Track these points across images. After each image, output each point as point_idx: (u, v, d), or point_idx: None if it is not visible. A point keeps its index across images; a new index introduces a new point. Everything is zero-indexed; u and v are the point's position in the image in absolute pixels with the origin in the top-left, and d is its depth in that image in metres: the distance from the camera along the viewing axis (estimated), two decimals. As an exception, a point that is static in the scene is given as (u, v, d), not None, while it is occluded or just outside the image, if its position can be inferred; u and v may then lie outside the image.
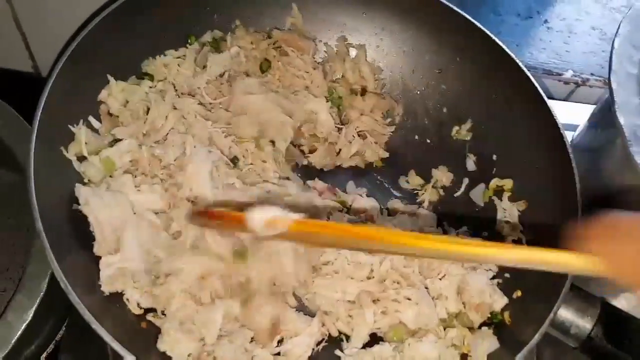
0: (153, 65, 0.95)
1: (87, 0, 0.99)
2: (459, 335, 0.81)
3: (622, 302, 0.83)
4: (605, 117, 0.82)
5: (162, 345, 0.74)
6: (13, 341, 0.81)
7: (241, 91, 0.95)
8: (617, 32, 0.80)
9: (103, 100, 0.89)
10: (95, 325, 0.66)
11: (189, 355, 0.74)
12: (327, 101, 1.02)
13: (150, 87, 0.94)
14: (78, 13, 1.00)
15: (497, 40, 0.95)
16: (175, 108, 0.91)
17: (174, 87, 0.95)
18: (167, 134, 0.89)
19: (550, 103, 0.90)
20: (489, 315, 0.84)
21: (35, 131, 0.75)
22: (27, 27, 1.14)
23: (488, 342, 0.80)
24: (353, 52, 1.08)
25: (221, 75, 0.98)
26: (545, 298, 0.76)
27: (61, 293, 0.68)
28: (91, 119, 0.87)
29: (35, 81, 1.25)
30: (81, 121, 0.85)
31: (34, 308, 0.83)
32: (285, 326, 0.79)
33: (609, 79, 0.75)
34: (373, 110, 1.05)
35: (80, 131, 0.84)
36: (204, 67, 0.98)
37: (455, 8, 0.98)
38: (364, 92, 1.05)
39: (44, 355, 0.92)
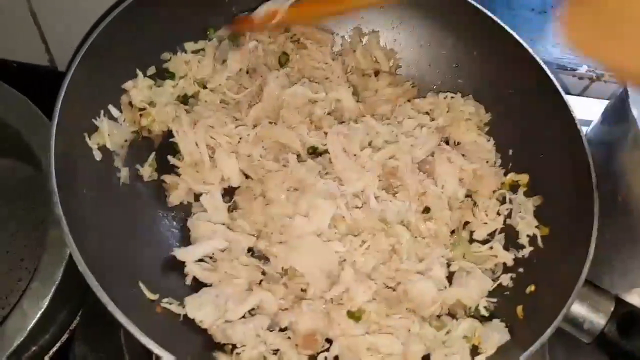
0: (174, 62, 0.97)
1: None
2: (470, 326, 0.82)
3: (635, 299, 0.83)
4: (618, 112, 0.81)
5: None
6: (29, 329, 0.83)
7: (276, 84, 0.96)
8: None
9: (128, 89, 0.91)
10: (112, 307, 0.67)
11: (200, 322, 0.77)
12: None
13: (173, 87, 0.96)
14: (94, 6, 1.01)
15: (514, 34, 0.95)
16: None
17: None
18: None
19: (567, 98, 0.90)
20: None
21: (57, 117, 0.77)
22: (44, 21, 1.15)
23: (499, 334, 0.80)
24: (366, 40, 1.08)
25: (240, 70, 0.99)
26: (558, 293, 0.77)
27: (76, 282, 0.70)
28: (111, 107, 0.88)
29: (51, 75, 1.26)
30: (102, 112, 0.86)
31: (49, 296, 0.86)
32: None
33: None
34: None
35: (103, 123, 0.86)
36: (224, 61, 0.99)
37: (472, 2, 0.98)
38: (377, 73, 1.05)
39: (59, 343, 0.94)
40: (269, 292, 0.81)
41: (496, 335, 0.80)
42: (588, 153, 0.84)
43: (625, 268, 0.85)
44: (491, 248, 0.90)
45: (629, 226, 0.81)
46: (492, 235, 0.93)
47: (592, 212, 0.80)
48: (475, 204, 0.95)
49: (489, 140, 1.00)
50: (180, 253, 0.81)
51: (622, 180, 0.82)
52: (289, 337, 0.79)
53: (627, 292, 0.85)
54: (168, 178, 0.89)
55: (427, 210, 0.92)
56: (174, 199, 0.89)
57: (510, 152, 0.98)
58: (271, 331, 0.79)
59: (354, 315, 0.80)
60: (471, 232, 0.93)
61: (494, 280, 0.87)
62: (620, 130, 0.86)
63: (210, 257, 0.83)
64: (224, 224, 0.85)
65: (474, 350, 0.80)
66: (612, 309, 0.77)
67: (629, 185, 0.81)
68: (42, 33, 1.18)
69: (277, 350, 0.78)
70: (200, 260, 0.83)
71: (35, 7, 1.11)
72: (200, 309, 0.77)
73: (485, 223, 0.92)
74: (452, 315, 0.85)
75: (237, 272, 0.81)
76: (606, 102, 1.01)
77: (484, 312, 0.85)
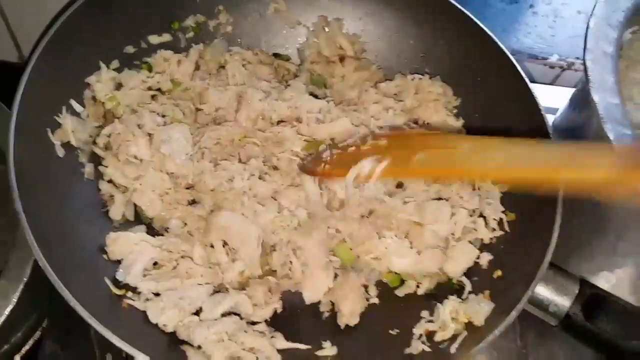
0: (153, 57, 0.97)
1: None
2: (453, 306, 0.82)
3: (601, 282, 0.84)
4: (582, 98, 0.82)
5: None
6: (-2, 327, 0.81)
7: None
8: (592, 11, 0.81)
9: (91, 83, 0.90)
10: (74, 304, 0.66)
11: (164, 325, 0.76)
12: (310, 83, 1.03)
13: (148, 77, 0.95)
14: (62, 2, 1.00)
15: (480, 23, 0.96)
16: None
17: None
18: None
19: (532, 86, 0.91)
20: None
21: (15, 114, 0.76)
22: (12, 17, 1.14)
23: (485, 305, 0.80)
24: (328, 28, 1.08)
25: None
26: (524, 277, 0.77)
27: (45, 280, 0.69)
28: (72, 102, 0.87)
29: (21, 71, 1.24)
30: (64, 108, 0.85)
31: (17, 294, 0.84)
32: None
33: (583, 57, 0.76)
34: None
35: (66, 120, 0.84)
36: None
37: (438, -8, 0.98)
38: (342, 59, 1.05)
39: (31, 341, 0.92)
40: (246, 294, 0.82)
41: (483, 306, 0.80)
42: (552, 138, 0.85)
43: (592, 252, 0.86)
44: (474, 222, 0.90)
45: (594, 213, 0.82)
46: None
47: (556, 198, 0.80)
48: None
49: (458, 120, 1.00)
50: (122, 275, 0.79)
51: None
52: (271, 336, 0.79)
53: (594, 275, 0.86)
54: (103, 186, 0.87)
55: (400, 185, 0.93)
56: (115, 213, 0.86)
57: (478, 139, 0.99)
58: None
59: None
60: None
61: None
62: (584, 116, 0.87)
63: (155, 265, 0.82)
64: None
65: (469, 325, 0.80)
66: (576, 291, 0.78)
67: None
68: (11, 29, 1.16)
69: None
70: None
71: (3, 3, 1.09)
72: (162, 313, 0.75)
73: (462, 197, 0.92)
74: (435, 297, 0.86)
75: (195, 273, 0.81)
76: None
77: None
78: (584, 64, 0.76)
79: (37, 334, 0.93)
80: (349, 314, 0.85)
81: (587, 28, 0.79)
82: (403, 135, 0.87)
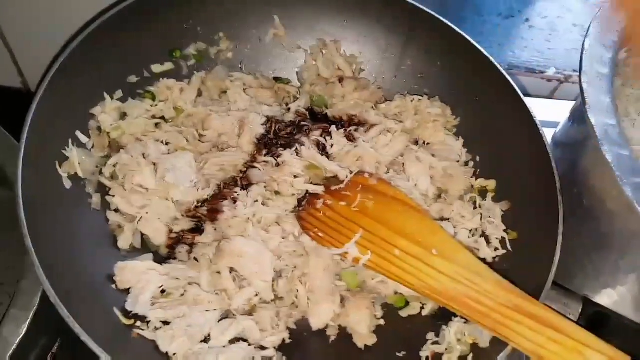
0: (157, 85, 0.98)
1: (74, 15, 1.01)
2: (459, 328, 0.83)
3: (604, 299, 0.84)
4: (581, 114, 0.83)
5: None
6: (8, 355, 0.82)
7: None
8: (587, 32, 0.82)
9: (96, 114, 0.91)
10: (85, 337, 0.67)
11: (173, 354, 0.77)
12: (311, 105, 1.05)
13: (151, 106, 0.97)
14: (65, 28, 1.02)
15: (475, 43, 0.97)
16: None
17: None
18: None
19: (530, 103, 0.92)
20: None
21: (24, 147, 0.77)
22: (14, 43, 1.15)
23: None
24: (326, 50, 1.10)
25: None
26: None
27: (54, 307, 0.70)
28: (78, 134, 0.88)
29: (24, 97, 1.26)
30: (70, 141, 0.86)
31: (27, 322, 0.85)
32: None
33: (580, 79, 0.77)
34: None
35: (73, 152, 0.86)
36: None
37: (433, 13, 1.00)
38: (341, 80, 1.07)
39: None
40: (253, 320, 0.83)
41: None
42: (552, 158, 0.86)
43: (596, 270, 0.87)
44: (476, 242, 0.92)
45: (594, 230, 0.83)
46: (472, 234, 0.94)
47: (557, 217, 0.81)
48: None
49: (457, 140, 1.02)
50: (131, 305, 0.80)
51: (586, 184, 0.84)
52: None
53: (596, 292, 0.87)
54: (111, 216, 0.88)
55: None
56: (123, 242, 0.87)
57: (478, 158, 1.00)
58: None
59: None
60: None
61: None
62: (582, 132, 0.88)
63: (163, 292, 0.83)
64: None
65: (475, 347, 0.81)
66: (580, 310, 0.79)
67: (592, 189, 0.82)
68: (14, 55, 1.18)
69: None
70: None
71: (5, 30, 1.11)
72: (172, 342, 0.76)
73: (463, 216, 0.94)
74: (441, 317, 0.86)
75: (202, 300, 0.82)
76: (573, 102, 1.02)
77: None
78: (580, 86, 0.77)
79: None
80: (367, 334, 0.86)
81: (582, 50, 0.80)
82: (388, 194, 0.90)
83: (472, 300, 0.75)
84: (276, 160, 0.93)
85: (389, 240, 0.83)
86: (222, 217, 0.87)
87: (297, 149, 0.95)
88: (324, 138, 0.97)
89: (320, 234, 0.88)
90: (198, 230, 0.89)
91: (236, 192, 0.89)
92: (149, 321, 0.79)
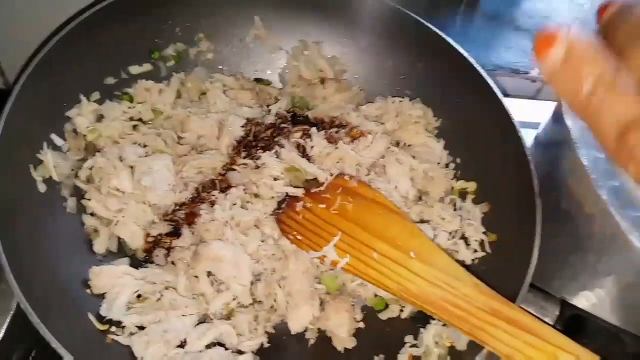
0: (134, 87, 0.97)
1: (56, 15, 0.99)
2: (437, 331, 0.83)
3: (581, 301, 0.85)
4: (559, 117, 0.83)
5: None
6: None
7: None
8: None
9: (72, 116, 0.90)
10: (55, 344, 0.67)
11: None
12: (292, 106, 1.04)
13: (129, 108, 0.96)
14: (49, 27, 1.00)
15: (455, 45, 0.97)
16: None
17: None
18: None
19: (511, 104, 0.91)
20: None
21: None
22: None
23: None
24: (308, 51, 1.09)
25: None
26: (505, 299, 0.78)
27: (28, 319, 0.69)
28: (54, 136, 0.87)
29: (6, 96, 1.24)
30: (45, 144, 0.85)
31: (4, 327, 0.84)
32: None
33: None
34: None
35: (47, 156, 0.84)
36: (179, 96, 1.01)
37: (414, 15, 0.99)
38: (322, 81, 1.07)
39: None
40: (231, 325, 0.82)
41: None
42: (530, 161, 0.86)
43: (573, 273, 0.87)
44: (455, 244, 0.92)
45: (572, 233, 0.83)
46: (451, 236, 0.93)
47: (535, 219, 0.81)
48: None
49: (438, 142, 1.01)
50: (105, 310, 0.79)
51: (565, 186, 0.84)
52: None
53: (575, 295, 0.87)
54: (87, 219, 0.87)
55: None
56: (99, 247, 0.86)
57: (459, 160, 1.00)
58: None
59: None
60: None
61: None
62: (562, 134, 0.88)
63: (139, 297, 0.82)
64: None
65: (452, 350, 0.81)
66: (557, 312, 0.79)
67: (570, 192, 0.82)
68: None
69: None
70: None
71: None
72: (147, 347, 0.76)
73: (443, 218, 0.94)
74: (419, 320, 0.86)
75: (179, 304, 0.81)
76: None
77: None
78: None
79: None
80: (347, 337, 0.86)
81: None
82: (368, 197, 0.89)
83: (449, 304, 0.75)
84: (255, 162, 0.93)
85: (368, 244, 0.83)
86: (200, 221, 0.86)
87: (276, 151, 0.94)
88: (304, 140, 0.96)
89: (299, 237, 0.87)
90: (176, 233, 0.88)
91: (214, 195, 0.88)
92: (124, 326, 0.78)
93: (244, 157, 0.94)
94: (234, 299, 0.84)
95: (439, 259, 0.79)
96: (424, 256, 0.80)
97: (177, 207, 0.90)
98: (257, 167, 0.92)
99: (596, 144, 0.72)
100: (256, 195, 0.91)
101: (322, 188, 0.91)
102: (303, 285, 0.86)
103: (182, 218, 0.88)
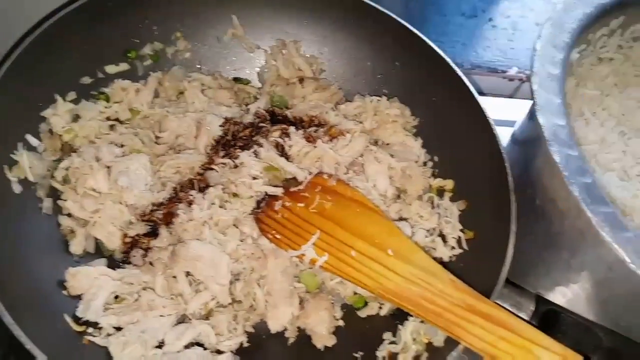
0: (111, 87, 0.97)
1: (30, 14, 0.98)
2: (414, 327, 0.83)
3: (557, 297, 0.86)
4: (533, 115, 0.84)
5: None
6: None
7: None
8: (539, 34, 0.83)
9: (47, 116, 0.89)
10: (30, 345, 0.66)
11: None
12: (271, 106, 1.04)
13: (106, 107, 0.95)
14: (24, 27, 0.98)
15: (431, 43, 0.98)
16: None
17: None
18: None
19: (487, 103, 0.93)
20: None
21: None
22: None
23: None
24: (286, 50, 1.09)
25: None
26: (480, 293, 0.78)
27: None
28: (28, 137, 0.86)
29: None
30: (20, 144, 0.84)
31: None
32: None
33: (530, 81, 0.78)
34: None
35: (22, 156, 0.83)
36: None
37: (392, 15, 1.00)
38: (301, 80, 1.07)
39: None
40: (209, 324, 0.82)
41: None
42: (505, 158, 0.87)
43: (548, 268, 0.88)
44: (433, 241, 0.92)
45: (546, 230, 0.84)
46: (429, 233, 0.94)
47: (510, 216, 0.82)
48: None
49: (416, 140, 1.02)
50: (82, 311, 0.78)
51: (538, 184, 0.85)
52: None
53: (550, 290, 0.88)
54: (63, 220, 0.87)
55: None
56: (76, 247, 0.86)
57: (436, 158, 1.01)
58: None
59: None
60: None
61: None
62: (536, 132, 0.89)
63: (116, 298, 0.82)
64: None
65: (429, 346, 0.81)
66: (532, 307, 0.80)
67: (544, 189, 0.83)
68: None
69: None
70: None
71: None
72: (124, 349, 0.75)
73: (421, 216, 0.94)
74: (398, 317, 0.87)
75: (157, 305, 0.81)
76: (533, 102, 1.04)
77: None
78: (531, 87, 0.78)
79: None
80: (326, 335, 0.86)
81: (534, 52, 0.81)
82: (346, 196, 0.90)
83: (426, 301, 0.76)
84: (234, 162, 0.92)
85: (346, 242, 0.83)
86: (178, 221, 0.86)
87: (255, 150, 0.94)
88: (283, 139, 0.96)
89: (278, 236, 0.87)
90: (153, 234, 0.88)
91: (192, 195, 0.88)
92: (101, 327, 0.78)
93: (223, 157, 0.94)
94: (212, 299, 0.84)
95: (416, 257, 0.80)
96: (401, 254, 0.80)
97: (155, 208, 0.89)
98: (236, 166, 0.92)
99: (569, 141, 0.74)
100: (235, 195, 0.91)
101: (301, 187, 0.92)
102: (282, 284, 0.87)
103: (159, 218, 0.88)
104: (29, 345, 0.66)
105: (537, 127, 0.77)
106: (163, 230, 0.86)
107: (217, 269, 0.83)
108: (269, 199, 0.91)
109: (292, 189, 0.92)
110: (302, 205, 0.89)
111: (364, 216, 0.86)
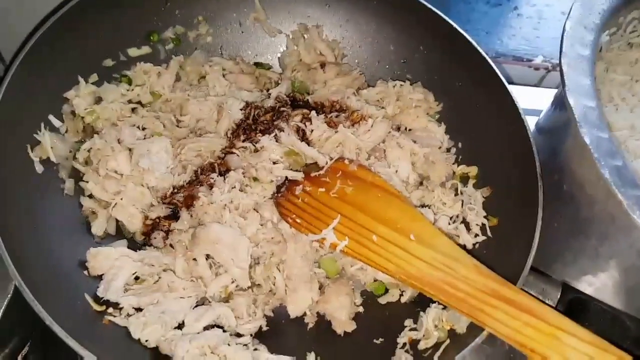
0: (133, 69, 0.97)
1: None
2: (437, 314, 0.82)
3: (584, 285, 0.84)
4: (562, 100, 0.82)
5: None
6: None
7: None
8: (569, 14, 0.80)
9: (70, 97, 0.89)
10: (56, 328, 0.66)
11: (146, 341, 0.76)
12: (292, 92, 1.03)
13: (127, 90, 0.95)
14: (45, 10, 0.99)
15: (459, 29, 0.96)
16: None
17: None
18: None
19: (515, 91, 0.91)
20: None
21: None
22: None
23: None
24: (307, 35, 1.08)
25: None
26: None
27: (26, 304, 0.68)
28: (51, 117, 0.86)
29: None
30: (42, 125, 0.84)
31: (1, 310, 0.83)
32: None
33: (559, 61, 0.76)
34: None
35: (45, 137, 0.84)
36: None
37: (417, -1, 0.98)
38: (323, 65, 1.05)
39: (19, 358, 0.91)
40: (229, 307, 0.81)
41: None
42: (533, 144, 0.85)
43: (575, 257, 0.86)
44: (456, 228, 0.91)
45: (574, 216, 0.82)
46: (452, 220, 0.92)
47: (537, 202, 0.80)
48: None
49: (440, 126, 1.00)
50: (103, 291, 0.78)
51: (566, 169, 0.83)
52: (254, 348, 0.79)
53: (577, 279, 0.86)
54: (85, 202, 0.87)
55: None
56: (97, 229, 0.86)
57: (460, 144, 0.99)
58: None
59: None
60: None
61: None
62: (563, 118, 0.87)
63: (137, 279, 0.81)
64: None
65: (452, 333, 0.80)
66: (558, 295, 0.78)
67: (572, 174, 0.81)
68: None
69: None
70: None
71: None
72: (144, 329, 0.75)
73: (444, 203, 0.93)
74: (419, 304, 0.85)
75: (177, 286, 0.80)
76: (559, 90, 1.01)
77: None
78: (560, 68, 0.75)
79: (25, 349, 0.93)
80: (346, 320, 0.85)
81: (563, 32, 0.79)
82: (368, 181, 0.88)
83: (449, 286, 0.74)
84: (255, 146, 0.92)
85: (367, 226, 0.82)
86: (198, 203, 0.86)
87: (276, 134, 0.93)
88: (304, 124, 0.95)
89: (298, 220, 0.87)
90: (174, 217, 0.87)
91: (213, 178, 0.88)
92: (122, 308, 0.78)
93: (243, 141, 0.93)
94: (232, 282, 0.84)
95: (438, 241, 0.78)
96: (423, 238, 0.79)
97: (176, 190, 0.89)
98: (257, 150, 0.92)
99: (599, 123, 0.72)
100: (255, 179, 0.90)
101: (321, 172, 0.90)
102: (302, 269, 0.86)
103: (180, 201, 0.88)
104: (48, 320, 0.66)
105: (564, 114, 0.75)
106: (184, 213, 0.86)
107: (237, 252, 0.83)
108: (290, 183, 0.91)
109: (312, 174, 0.91)
110: (322, 190, 0.88)
111: (385, 201, 0.85)
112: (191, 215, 0.86)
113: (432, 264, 0.76)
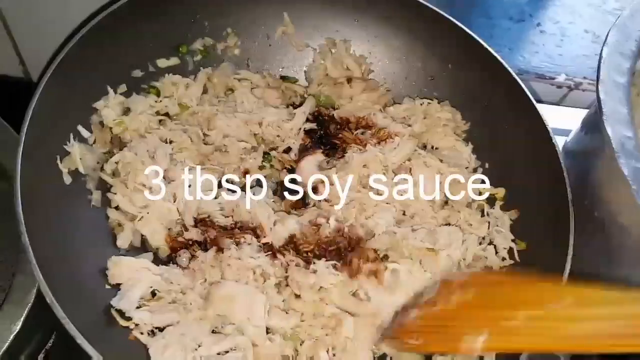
0: (162, 81, 0.97)
1: (79, 5, 0.99)
2: None
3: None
4: (594, 125, 0.81)
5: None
6: (2, 351, 0.81)
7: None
8: (605, 41, 0.80)
9: (99, 108, 0.89)
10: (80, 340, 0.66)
11: None
12: (317, 107, 1.03)
13: (156, 102, 0.95)
14: (70, 18, 1.00)
15: (488, 47, 0.95)
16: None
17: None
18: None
19: (542, 110, 0.90)
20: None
21: (23, 140, 0.75)
22: (17, 32, 1.13)
23: None
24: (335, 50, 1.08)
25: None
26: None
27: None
28: (80, 128, 0.86)
29: (25, 86, 1.24)
30: (71, 136, 0.84)
31: (21, 319, 0.83)
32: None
33: (597, 89, 0.75)
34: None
35: (74, 147, 0.84)
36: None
37: (447, 16, 0.98)
38: (349, 80, 1.05)
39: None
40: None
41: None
42: (563, 168, 0.84)
43: (605, 284, 0.85)
44: (484, 249, 0.90)
45: (605, 243, 0.81)
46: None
47: (568, 228, 0.79)
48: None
49: (467, 145, 1.00)
50: (116, 301, 0.77)
51: (598, 196, 0.82)
52: None
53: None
54: (112, 214, 0.86)
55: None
56: (122, 241, 0.85)
57: (487, 165, 0.98)
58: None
59: None
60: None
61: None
62: (596, 142, 0.86)
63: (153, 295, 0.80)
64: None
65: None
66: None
67: (605, 202, 0.80)
68: (16, 44, 1.16)
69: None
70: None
71: (8, 18, 1.08)
72: (164, 352, 0.74)
73: (471, 224, 0.92)
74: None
75: (193, 307, 0.79)
76: (584, 110, 1.01)
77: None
78: (597, 95, 0.75)
79: (41, 356, 0.93)
80: None
81: (600, 58, 0.78)
82: (490, 282, 0.75)
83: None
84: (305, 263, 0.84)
85: (504, 316, 0.67)
86: (226, 254, 0.83)
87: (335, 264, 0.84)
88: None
89: (420, 341, 0.74)
90: (204, 246, 0.85)
91: (244, 238, 0.84)
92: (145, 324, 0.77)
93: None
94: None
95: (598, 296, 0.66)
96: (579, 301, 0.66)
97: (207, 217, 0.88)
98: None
99: (636, 153, 0.71)
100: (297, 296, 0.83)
101: (430, 296, 0.77)
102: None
103: (211, 238, 0.86)
104: (68, 325, 0.66)
105: (601, 137, 0.74)
106: (212, 251, 0.83)
107: (253, 310, 0.79)
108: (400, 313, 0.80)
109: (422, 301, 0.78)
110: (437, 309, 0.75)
111: (517, 290, 0.70)
112: (216, 258, 0.83)
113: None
